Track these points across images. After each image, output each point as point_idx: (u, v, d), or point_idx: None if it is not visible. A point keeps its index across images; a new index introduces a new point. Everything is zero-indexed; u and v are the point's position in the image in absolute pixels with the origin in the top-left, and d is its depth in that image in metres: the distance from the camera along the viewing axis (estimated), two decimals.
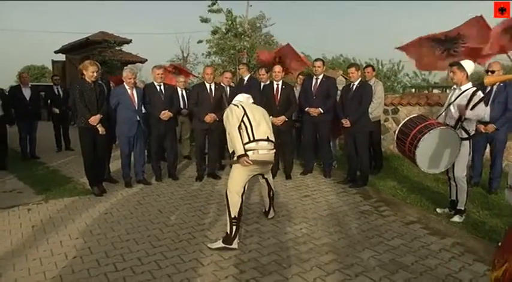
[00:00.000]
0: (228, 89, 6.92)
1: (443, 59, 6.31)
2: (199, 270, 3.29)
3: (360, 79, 5.86)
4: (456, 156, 3.98)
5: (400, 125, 3.82)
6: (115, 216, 4.66)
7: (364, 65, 7.67)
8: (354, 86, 5.84)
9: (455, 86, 4.48)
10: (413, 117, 3.81)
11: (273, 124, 6.11)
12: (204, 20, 14.82)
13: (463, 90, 4.30)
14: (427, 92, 22.81)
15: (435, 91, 22.61)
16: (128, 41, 16.64)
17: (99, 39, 15.56)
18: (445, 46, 6.20)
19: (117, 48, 15.68)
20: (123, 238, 3.99)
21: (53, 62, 18.40)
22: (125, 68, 5.99)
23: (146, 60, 17.61)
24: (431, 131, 3.40)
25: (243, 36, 13.92)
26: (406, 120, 3.79)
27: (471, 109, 4.12)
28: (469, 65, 4.38)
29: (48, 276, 3.20)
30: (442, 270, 3.19)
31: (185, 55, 24.47)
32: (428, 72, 32.01)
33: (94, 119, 5.27)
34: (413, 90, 26.20)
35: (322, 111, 6.13)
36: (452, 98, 4.40)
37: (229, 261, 3.45)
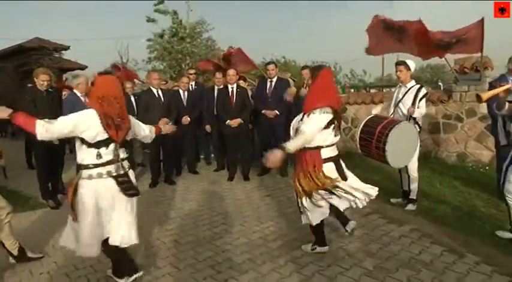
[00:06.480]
0: (186, 93, 6.92)
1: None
2: (176, 274, 3.31)
3: (307, 81, 6.12)
4: (415, 149, 4.30)
5: (361, 126, 3.99)
6: None
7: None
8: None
9: (400, 84, 4.84)
10: (373, 117, 4.02)
11: (229, 127, 6.28)
12: (150, 20, 14.57)
13: (408, 87, 4.67)
14: (364, 91, 24.06)
15: (372, 90, 23.84)
16: (66, 48, 15.98)
17: (34, 46, 14.75)
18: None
19: (55, 55, 14.95)
20: None
21: None
22: (75, 75, 5.82)
23: (86, 66, 16.96)
24: (397, 126, 3.63)
25: (188, 39, 13.85)
26: (366, 120, 3.95)
27: (418, 106, 4.50)
28: (412, 64, 4.76)
29: None
30: (405, 255, 3.46)
31: (124, 61, 23.79)
32: (364, 72, 33.83)
33: None
34: (352, 90, 27.43)
35: (278, 113, 6.31)
36: (400, 96, 4.75)
37: (204, 263, 3.49)
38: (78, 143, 2.92)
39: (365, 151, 3.98)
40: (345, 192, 3.39)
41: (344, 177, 3.39)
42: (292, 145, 3.20)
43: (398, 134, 3.65)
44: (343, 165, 3.47)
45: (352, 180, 3.48)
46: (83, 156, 2.90)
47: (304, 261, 3.43)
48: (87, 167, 2.87)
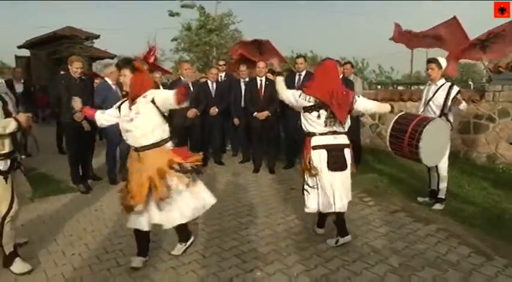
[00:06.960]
0: (214, 84, 6.98)
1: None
2: (202, 261, 3.38)
3: (341, 75, 6.06)
4: (447, 147, 4.25)
5: (391, 123, 3.94)
6: (106, 213, 4.64)
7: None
8: None
9: (430, 82, 4.75)
10: (403, 114, 3.97)
11: (256, 119, 6.32)
12: (173, 14, 14.72)
13: (439, 85, 4.58)
14: (391, 88, 23.71)
15: (399, 88, 23.46)
16: (96, 36, 16.28)
17: (66, 34, 15.09)
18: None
19: (86, 43, 15.27)
20: (119, 234, 4.00)
21: (17, 57, 17.71)
22: (106, 63, 5.95)
23: (115, 55, 17.24)
24: (431, 122, 3.58)
25: (216, 31, 13.94)
26: (396, 117, 3.92)
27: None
28: (444, 62, 4.67)
29: (49, 275, 3.19)
30: (431, 254, 3.43)
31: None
32: (392, 69, 33.40)
33: (79, 115, 5.19)
34: (378, 86, 27.07)
35: None
36: (430, 94, 4.66)
37: (230, 252, 3.55)
38: (163, 120, 3.22)
39: (395, 148, 3.94)
40: (321, 187, 3.53)
41: (336, 168, 3.48)
42: (280, 78, 3.86)
43: (433, 130, 3.60)
44: (348, 157, 3.56)
45: (337, 180, 3.54)
46: (167, 130, 3.25)
47: (329, 255, 3.45)
48: (166, 140, 3.25)
